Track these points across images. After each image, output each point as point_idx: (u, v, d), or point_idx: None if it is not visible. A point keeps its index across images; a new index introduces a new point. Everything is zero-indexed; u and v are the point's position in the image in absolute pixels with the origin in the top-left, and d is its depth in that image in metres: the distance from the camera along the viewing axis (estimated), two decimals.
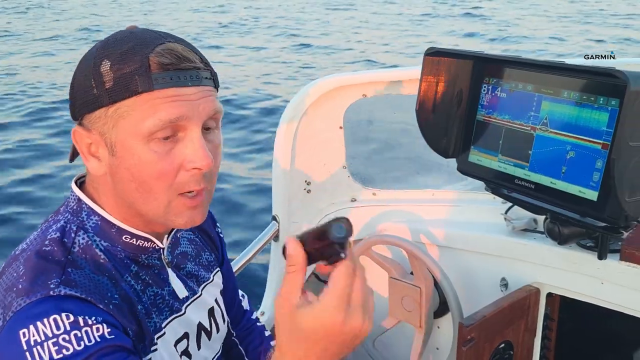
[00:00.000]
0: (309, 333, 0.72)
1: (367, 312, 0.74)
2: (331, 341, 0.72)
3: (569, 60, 1.34)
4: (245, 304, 1.34)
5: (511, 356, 1.59)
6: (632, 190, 1.14)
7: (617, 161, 1.11)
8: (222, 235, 1.26)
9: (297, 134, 1.88)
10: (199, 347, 1.07)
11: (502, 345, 1.54)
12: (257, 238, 1.92)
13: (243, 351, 1.28)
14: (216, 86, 0.94)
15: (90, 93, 0.87)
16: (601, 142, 1.22)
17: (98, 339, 0.82)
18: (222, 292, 1.19)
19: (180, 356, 1.02)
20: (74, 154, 0.97)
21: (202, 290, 1.10)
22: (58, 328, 0.80)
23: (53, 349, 0.79)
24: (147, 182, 0.88)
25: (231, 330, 1.27)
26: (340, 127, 1.94)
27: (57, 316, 0.81)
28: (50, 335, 0.80)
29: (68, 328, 0.81)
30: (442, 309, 1.83)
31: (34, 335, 0.79)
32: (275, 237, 1.97)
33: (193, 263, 1.11)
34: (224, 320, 1.16)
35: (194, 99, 0.87)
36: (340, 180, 2.01)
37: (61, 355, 0.79)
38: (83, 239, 0.92)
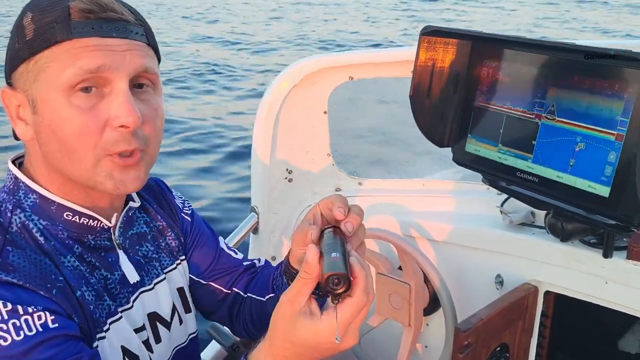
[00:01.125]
0: (302, 341, 0.75)
1: (359, 332, 0.77)
2: (319, 353, 0.77)
3: (580, 42, 1.22)
4: (238, 255, 1.22)
5: (507, 358, 1.50)
6: None
7: (638, 154, 1.00)
8: (188, 211, 1.15)
9: (278, 120, 1.76)
10: (157, 340, 1.00)
11: (499, 348, 1.45)
12: (235, 230, 1.81)
13: (257, 296, 1.17)
14: (151, 44, 0.88)
15: (13, 48, 0.84)
16: (615, 132, 1.11)
17: (40, 328, 0.76)
18: (209, 263, 1.14)
19: (144, 343, 0.96)
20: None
21: (165, 274, 1.03)
22: None
23: None
24: (69, 140, 0.82)
25: (235, 290, 1.17)
26: (325, 112, 1.81)
27: None
28: None
29: (5, 317, 0.75)
30: (432, 306, 1.73)
31: None
32: (255, 230, 1.85)
33: (150, 245, 1.03)
34: (187, 311, 1.09)
35: (120, 50, 0.82)
36: (324, 169, 1.89)
37: None
38: (20, 218, 0.86)
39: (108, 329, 0.89)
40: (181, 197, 1.18)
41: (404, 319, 1.70)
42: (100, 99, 0.82)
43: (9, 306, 0.75)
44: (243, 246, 1.81)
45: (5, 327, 0.75)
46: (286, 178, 1.87)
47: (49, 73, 0.81)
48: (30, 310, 0.76)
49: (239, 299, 1.18)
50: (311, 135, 1.84)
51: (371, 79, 1.73)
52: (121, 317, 0.92)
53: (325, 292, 0.73)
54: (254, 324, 1.18)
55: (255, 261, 1.24)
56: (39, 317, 0.77)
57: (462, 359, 1.30)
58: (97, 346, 0.86)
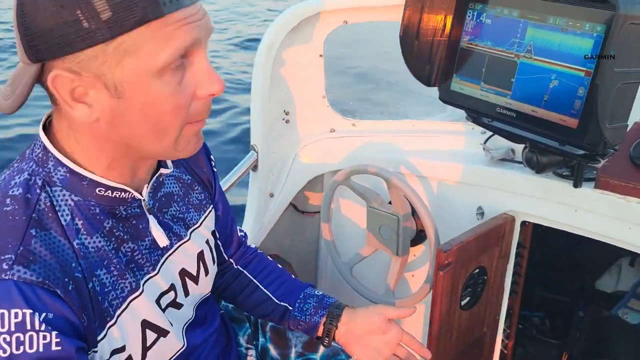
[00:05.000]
0: None
1: None
2: None
3: None
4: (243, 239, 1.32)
5: (485, 281, 1.64)
6: (613, 117, 1.15)
7: (601, 87, 1.11)
8: (215, 170, 1.17)
9: (275, 62, 1.83)
10: (186, 294, 1.03)
11: (477, 270, 1.59)
12: (236, 167, 1.91)
13: (249, 274, 1.26)
14: None
15: (76, 28, 0.70)
16: (584, 69, 1.22)
17: (41, 349, 0.74)
18: (218, 228, 1.15)
19: (165, 309, 0.97)
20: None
21: (190, 234, 1.03)
22: (2, 326, 0.72)
23: None
24: (162, 119, 0.78)
25: (231, 261, 1.26)
26: (320, 55, 1.89)
27: (5, 312, 0.72)
28: None
29: (12, 329, 0.72)
30: (418, 237, 1.86)
31: None
32: (254, 167, 1.95)
33: (181, 204, 1.03)
34: (214, 262, 1.12)
35: (200, 18, 0.77)
36: (319, 111, 1.99)
37: None
38: (50, 194, 0.81)
39: (126, 308, 0.88)
40: (206, 145, 1.14)
41: (392, 249, 1.84)
42: (184, 70, 0.78)
43: (19, 317, 0.73)
44: (242, 183, 1.93)
45: (8, 339, 0.72)
46: (283, 119, 1.97)
47: (138, 56, 0.73)
48: (37, 326, 0.73)
49: (229, 265, 1.26)
50: (307, 78, 1.92)
51: (364, 23, 1.81)
52: (143, 291, 0.91)
53: None
54: (234, 296, 1.26)
55: (244, 232, 1.33)
56: (44, 337, 0.74)
57: (443, 276, 1.44)
58: (104, 337, 0.85)
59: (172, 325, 0.97)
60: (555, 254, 2.24)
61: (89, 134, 0.81)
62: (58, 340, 0.75)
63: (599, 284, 2.44)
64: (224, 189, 1.80)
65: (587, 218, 1.50)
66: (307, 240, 2.27)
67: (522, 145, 1.52)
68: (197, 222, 1.06)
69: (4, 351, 0.72)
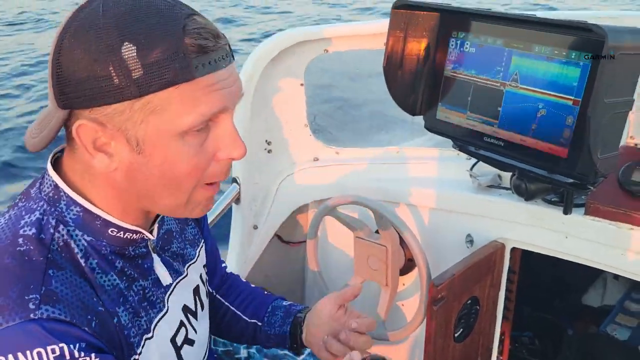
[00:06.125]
0: None
1: None
2: None
3: (540, 14, 1.30)
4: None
5: (477, 311, 1.61)
6: (604, 147, 1.13)
7: (592, 117, 1.09)
8: None
9: (256, 92, 1.81)
10: (196, 331, 1.02)
11: (470, 301, 1.56)
12: (219, 201, 1.87)
13: (222, 299, 1.25)
14: None
15: (106, 83, 0.71)
16: (572, 98, 1.20)
17: None
18: (206, 262, 1.15)
19: (181, 347, 0.97)
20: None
21: (187, 270, 1.03)
22: None
23: None
24: (178, 177, 0.79)
25: (213, 292, 1.25)
26: (301, 84, 1.87)
27: (41, 350, 0.71)
28: None
29: None
30: (407, 266, 1.83)
31: None
32: (237, 200, 1.91)
33: (178, 240, 1.03)
34: (206, 295, 1.11)
35: (231, 84, 0.77)
36: (302, 139, 1.96)
37: None
38: (63, 234, 0.80)
39: (143, 346, 0.88)
40: None
41: (381, 279, 1.80)
42: (207, 132, 0.78)
43: (57, 352, 0.72)
44: (226, 216, 1.88)
45: None
46: (266, 149, 1.93)
47: (163, 117, 0.74)
48: (76, 354, 0.74)
49: (213, 297, 1.24)
50: (289, 107, 1.90)
51: (345, 51, 1.79)
52: (154, 332, 0.91)
53: None
54: (217, 326, 1.24)
55: (225, 264, 1.31)
56: None
57: (437, 311, 1.40)
58: None
59: None
60: (540, 272, 2.23)
61: (106, 181, 0.81)
62: (98, 359, 0.75)
63: (585, 299, 2.43)
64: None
65: (579, 244, 1.48)
66: (294, 271, 2.22)
67: (511, 172, 1.51)
68: (193, 258, 1.06)
69: None
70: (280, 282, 2.13)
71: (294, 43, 1.76)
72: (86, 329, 0.76)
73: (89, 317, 0.78)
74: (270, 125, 1.90)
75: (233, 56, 0.80)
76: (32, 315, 0.72)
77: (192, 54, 0.72)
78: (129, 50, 0.70)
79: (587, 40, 1.15)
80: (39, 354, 0.71)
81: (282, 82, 1.84)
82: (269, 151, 1.94)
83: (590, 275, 2.37)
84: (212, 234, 1.23)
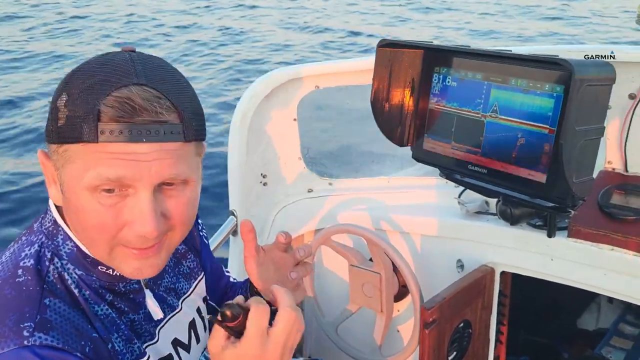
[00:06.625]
0: None
1: (286, 346, 0.84)
2: None
3: (515, 49, 1.39)
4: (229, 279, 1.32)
5: (470, 334, 1.65)
6: (579, 171, 1.20)
7: (565, 145, 1.16)
8: (202, 232, 1.18)
9: (251, 127, 1.87)
10: None
11: (462, 324, 1.60)
12: (216, 234, 1.91)
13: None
14: (189, 139, 0.81)
15: (49, 124, 0.80)
16: (548, 127, 1.28)
17: None
18: (209, 284, 1.17)
19: None
20: None
21: (182, 304, 1.06)
22: None
23: None
24: (89, 230, 0.82)
25: (215, 306, 1.25)
26: (294, 119, 1.94)
27: None
28: None
29: None
30: (401, 292, 1.88)
31: None
32: (234, 232, 1.96)
33: (171, 274, 1.06)
34: (205, 329, 1.13)
35: (146, 160, 0.77)
36: (296, 172, 2.02)
37: None
38: (57, 267, 0.86)
39: None
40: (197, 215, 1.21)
41: (376, 306, 1.85)
42: (122, 198, 0.79)
43: None
44: (224, 247, 1.93)
45: None
46: (261, 182, 1.99)
47: (74, 166, 0.78)
48: None
49: None
50: (282, 141, 1.97)
51: (335, 87, 1.87)
52: (149, 356, 0.94)
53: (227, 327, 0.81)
54: None
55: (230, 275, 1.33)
56: None
57: (428, 334, 1.45)
58: None
59: None
60: (533, 297, 2.27)
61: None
62: None
63: (580, 323, 2.47)
64: None
65: (563, 266, 1.54)
66: None
67: (497, 198, 1.57)
68: (187, 291, 1.08)
69: None
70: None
71: (287, 80, 1.84)
72: (79, 354, 0.80)
73: (83, 342, 0.82)
74: (266, 159, 1.96)
75: (185, 136, 0.80)
76: (26, 342, 0.76)
77: (105, 120, 0.75)
78: (62, 100, 0.78)
79: (558, 73, 1.23)
80: None
81: (276, 118, 1.91)
82: (265, 184, 2.00)
83: (584, 299, 2.41)
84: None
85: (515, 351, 2.20)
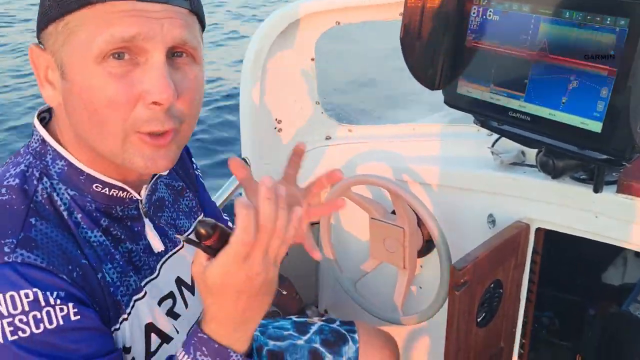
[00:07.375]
0: (214, 288, 0.75)
1: (266, 261, 0.75)
2: (237, 291, 0.75)
3: None
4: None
5: (501, 294, 1.54)
6: None
7: (632, 87, 1.00)
8: (199, 174, 1.14)
9: (264, 68, 1.73)
10: (186, 306, 0.98)
11: (493, 284, 1.49)
12: (227, 183, 1.80)
13: None
14: (193, 11, 0.79)
15: (43, 5, 0.76)
16: (607, 67, 1.11)
17: (61, 321, 0.73)
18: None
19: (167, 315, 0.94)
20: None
21: (184, 242, 0.99)
22: (15, 307, 0.71)
23: (8, 330, 0.70)
24: (99, 111, 0.75)
25: None
26: (312, 59, 1.79)
27: (14, 293, 0.71)
28: (5, 313, 0.70)
29: (27, 308, 0.71)
30: (426, 247, 1.76)
31: None
32: None
33: (171, 210, 1.01)
34: None
35: (157, 17, 0.74)
36: (313, 117, 1.88)
37: (16, 337, 0.70)
38: (46, 187, 0.80)
39: (132, 307, 0.86)
40: (191, 153, 1.15)
41: (398, 262, 1.73)
42: (134, 66, 0.75)
43: (31, 296, 0.71)
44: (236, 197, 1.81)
45: (25, 319, 0.71)
46: (275, 128, 1.86)
47: (79, 37, 0.73)
48: (52, 301, 0.72)
49: None
50: (299, 83, 1.82)
51: (358, 23, 1.70)
52: (145, 292, 0.89)
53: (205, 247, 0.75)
54: None
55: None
56: (61, 309, 0.73)
57: (459, 296, 1.33)
58: (118, 329, 0.84)
59: (177, 332, 0.94)
60: (560, 251, 2.16)
61: (63, 121, 0.81)
62: (76, 310, 0.74)
63: (605, 277, 2.36)
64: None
65: (609, 224, 1.40)
66: (306, 254, 2.16)
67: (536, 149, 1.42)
68: (188, 229, 1.04)
69: (23, 332, 0.71)
70: (293, 265, 2.06)
71: (304, 15, 1.67)
72: (65, 277, 0.75)
73: (70, 267, 0.77)
74: (280, 103, 1.82)
75: (191, 5, 0.78)
76: (6, 258, 0.72)
77: None
78: None
79: (622, 3, 1.05)
80: (12, 297, 0.71)
81: (292, 57, 1.76)
82: (279, 130, 1.86)
83: (610, 253, 2.29)
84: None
85: (540, 307, 2.10)
